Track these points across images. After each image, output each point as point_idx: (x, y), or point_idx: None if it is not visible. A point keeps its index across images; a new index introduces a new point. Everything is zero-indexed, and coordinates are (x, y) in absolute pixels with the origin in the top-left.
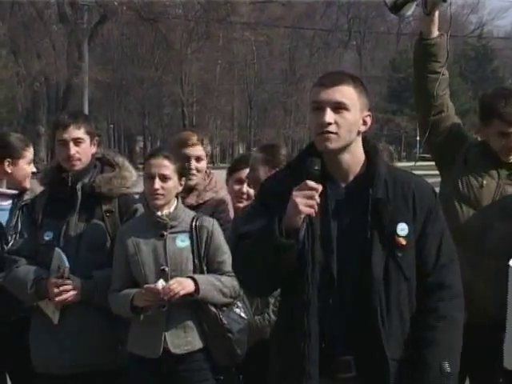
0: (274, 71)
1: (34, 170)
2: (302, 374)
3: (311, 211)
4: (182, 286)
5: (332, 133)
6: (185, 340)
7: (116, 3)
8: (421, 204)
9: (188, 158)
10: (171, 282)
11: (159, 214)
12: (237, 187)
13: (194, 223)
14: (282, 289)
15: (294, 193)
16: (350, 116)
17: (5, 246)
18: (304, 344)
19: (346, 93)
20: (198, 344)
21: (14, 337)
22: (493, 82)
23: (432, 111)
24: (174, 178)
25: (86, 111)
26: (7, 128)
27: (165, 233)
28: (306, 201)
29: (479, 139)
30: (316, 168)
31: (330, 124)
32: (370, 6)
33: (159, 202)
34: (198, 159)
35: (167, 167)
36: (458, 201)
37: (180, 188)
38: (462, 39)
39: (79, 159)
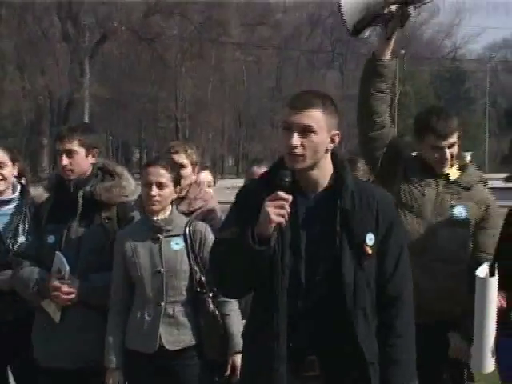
0: (262, 89)
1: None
2: (271, 371)
3: (281, 220)
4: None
5: (298, 155)
6: (178, 337)
7: (115, 24)
8: (383, 216)
9: None
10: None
11: (155, 218)
12: None
13: (187, 227)
14: (254, 292)
15: (266, 203)
16: (316, 138)
17: (2, 250)
18: (273, 343)
19: (314, 116)
20: (191, 341)
21: (14, 335)
22: (465, 101)
23: (374, 126)
24: (170, 186)
25: None
26: (12, 139)
27: (160, 236)
28: (277, 210)
29: (413, 154)
30: (287, 180)
31: (296, 147)
32: None
33: (156, 208)
34: (181, 166)
35: (164, 176)
36: (402, 210)
37: (175, 195)
38: (437, 61)
39: (71, 170)
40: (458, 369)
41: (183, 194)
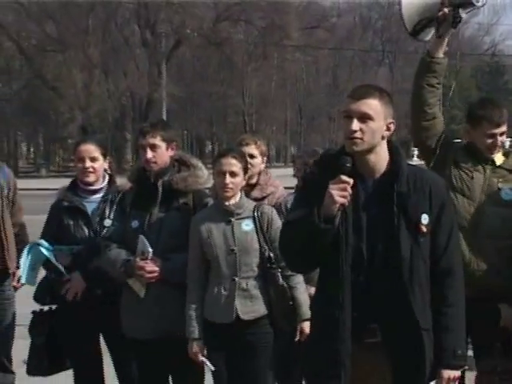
0: (320, 85)
1: (87, 165)
2: (337, 338)
3: (344, 201)
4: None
5: (357, 138)
6: (252, 308)
7: (188, 30)
8: (436, 197)
9: None
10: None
11: (227, 203)
12: None
13: (256, 211)
14: (320, 267)
15: (330, 186)
16: (373, 124)
17: (91, 232)
18: (338, 313)
19: (371, 105)
20: (263, 311)
21: (103, 307)
22: (504, 92)
23: (426, 117)
24: (241, 174)
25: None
26: (99, 135)
27: (232, 219)
28: (340, 192)
29: (463, 143)
30: (348, 165)
31: (355, 131)
32: (400, 29)
33: (229, 195)
34: (251, 156)
35: (235, 165)
36: (453, 193)
37: (244, 183)
38: (478, 57)
39: (155, 162)
40: (508, 338)
41: (254, 181)
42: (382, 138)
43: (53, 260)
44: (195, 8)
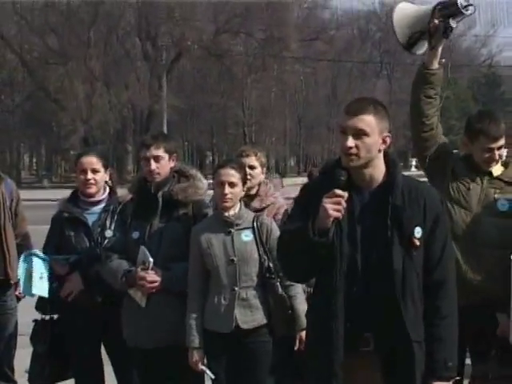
0: (319, 96)
1: (89, 177)
2: (331, 347)
3: (338, 215)
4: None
5: (353, 154)
6: (252, 317)
7: (189, 43)
8: (430, 210)
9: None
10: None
11: (226, 214)
12: None
13: (255, 221)
14: (316, 277)
15: (324, 199)
16: (369, 140)
17: (92, 243)
18: (332, 322)
19: (366, 121)
20: (263, 320)
21: (104, 316)
22: (501, 103)
23: (424, 128)
24: (240, 185)
25: (165, 131)
26: (101, 146)
27: (232, 230)
28: (334, 206)
29: (461, 154)
30: (342, 178)
31: (351, 148)
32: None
33: (228, 205)
34: (251, 167)
35: (234, 176)
36: (450, 203)
37: (243, 193)
38: (475, 68)
39: (158, 173)
40: (504, 345)
41: (254, 191)
42: (379, 151)
43: (45, 270)
44: (195, 20)
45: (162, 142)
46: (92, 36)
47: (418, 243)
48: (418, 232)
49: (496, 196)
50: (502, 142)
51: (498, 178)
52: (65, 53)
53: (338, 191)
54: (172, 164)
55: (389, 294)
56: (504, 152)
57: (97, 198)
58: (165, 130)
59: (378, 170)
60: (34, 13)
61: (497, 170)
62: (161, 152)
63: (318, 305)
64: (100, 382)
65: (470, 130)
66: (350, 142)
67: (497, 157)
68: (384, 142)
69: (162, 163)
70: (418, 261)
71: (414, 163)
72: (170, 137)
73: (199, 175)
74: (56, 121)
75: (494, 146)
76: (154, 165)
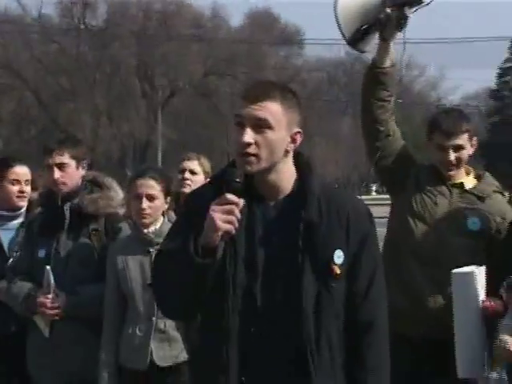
0: None
1: (24, 189)
2: None
3: (230, 227)
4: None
5: (251, 155)
6: (170, 352)
7: (181, 83)
8: (356, 228)
9: (183, 170)
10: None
11: (145, 231)
12: None
13: None
14: (201, 314)
15: (212, 207)
16: (272, 135)
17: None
18: (223, 376)
19: (271, 109)
20: (183, 356)
21: (20, 347)
22: None
23: (379, 136)
24: (161, 198)
25: (160, 161)
26: (104, 172)
27: (151, 249)
28: (224, 216)
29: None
30: (237, 180)
31: (249, 145)
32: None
33: (146, 221)
34: (192, 172)
35: (154, 187)
36: (412, 219)
37: (166, 206)
38: (425, 107)
39: (64, 183)
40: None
41: None
42: (286, 152)
43: None
44: (187, 64)
45: (67, 147)
46: (98, 77)
47: (338, 271)
48: (338, 257)
49: (466, 213)
50: (459, 141)
51: (469, 191)
52: (74, 91)
53: (231, 196)
54: (82, 172)
55: (296, 339)
56: (465, 155)
57: (12, 213)
58: (159, 158)
59: (286, 177)
60: (49, 57)
61: (468, 182)
62: (66, 159)
63: (204, 353)
64: None
65: (428, 127)
66: (248, 136)
67: (452, 158)
68: (293, 140)
69: (69, 171)
70: (338, 295)
71: (374, 188)
72: (80, 141)
73: (114, 185)
74: None
75: (448, 143)
76: (57, 173)
